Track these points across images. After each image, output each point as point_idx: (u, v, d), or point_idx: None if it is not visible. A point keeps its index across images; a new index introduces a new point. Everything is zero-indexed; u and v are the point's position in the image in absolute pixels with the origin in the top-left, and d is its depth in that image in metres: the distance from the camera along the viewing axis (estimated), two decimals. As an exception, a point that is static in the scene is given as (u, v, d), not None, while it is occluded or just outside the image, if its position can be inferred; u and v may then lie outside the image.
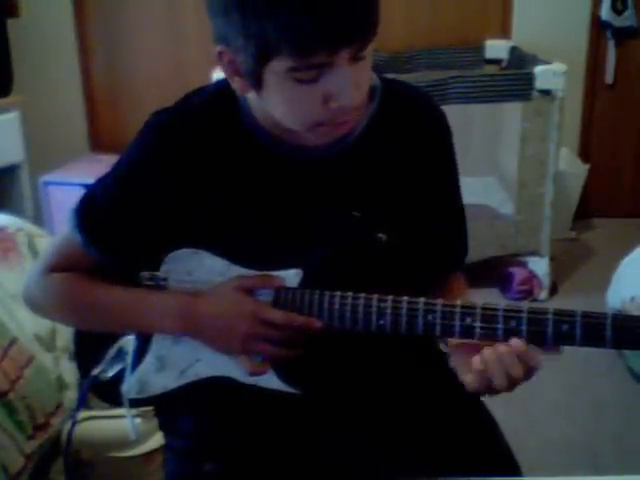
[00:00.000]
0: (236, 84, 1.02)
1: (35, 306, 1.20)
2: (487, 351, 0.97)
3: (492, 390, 1.00)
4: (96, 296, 1.14)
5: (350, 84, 0.95)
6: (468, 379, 1.01)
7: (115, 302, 1.13)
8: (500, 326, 0.97)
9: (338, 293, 1.03)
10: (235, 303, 1.06)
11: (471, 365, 0.98)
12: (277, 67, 0.94)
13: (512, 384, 0.98)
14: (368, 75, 1.02)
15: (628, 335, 0.93)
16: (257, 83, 0.98)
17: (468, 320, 0.98)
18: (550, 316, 0.96)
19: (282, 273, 1.07)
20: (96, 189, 1.14)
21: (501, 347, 0.97)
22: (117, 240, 1.12)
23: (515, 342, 0.96)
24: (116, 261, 1.14)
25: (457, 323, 0.99)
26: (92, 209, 1.13)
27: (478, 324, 0.98)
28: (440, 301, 1.00)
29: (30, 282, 1.19)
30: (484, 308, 0.98)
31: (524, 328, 0.96)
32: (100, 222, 1.12)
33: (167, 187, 1.08)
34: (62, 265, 1.16)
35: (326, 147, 1.06)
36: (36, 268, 1.19)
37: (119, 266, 1.14)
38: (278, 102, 1.00)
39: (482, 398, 1.04)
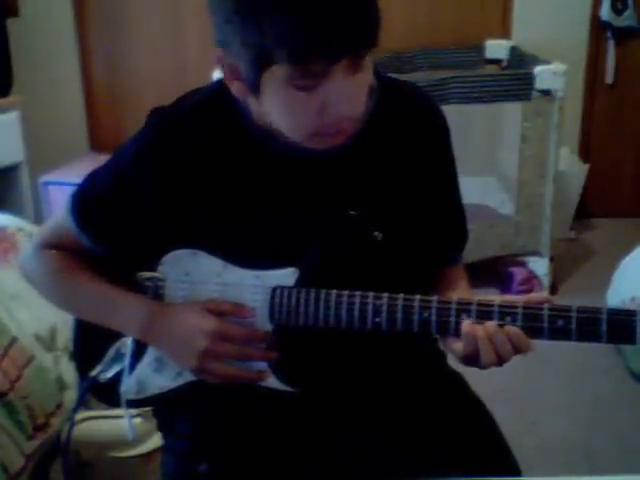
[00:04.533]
0: (235, 88, 1.02)
1: (28, 278, 1.22)
2: (478, 326, 0.98)
3: (480, 364, 1.01)
4: (76, 282, 1.16)
5: (347, 96, 0.95)
6: (457, 347, 1.01)
7: (90, 293, 1.15)
8: (496, 322, 0.98)
9: (334, 291, 1.04)
10: (199, 320, 1.06)
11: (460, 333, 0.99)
12: (275, 74, 0.94)
13: (501, 361, 0.99)
14: (366, 87, 1.00)
15: (623, 330, 0.94)
16: (255, 89, 0.98)
17: (464, 316, 0.99)
18: (545, 311, 0.96)
19: (278, 272, 1.07)
20: (93, 179, 1.15)
21: (492, 326, 0.97)
22: (108, 232, 1.14)
23: (509, 327, 0.97)
24: (108, 253, 1.15)
25: (453, 319, 0.99)
26: (87, 198, 1.14)
27: (474, 320, 0.98)
28: (435, 298, 1.01)
29: (26, 253, 1.22)
30: (480, 304, 0.99)
31: (519, 324, 0.97)
32: (93, 213, 1.14)
33: (163, 185, 1.09)
34: (56, 243, 1.18)
35: None
36: (34, 240, 1.22)
37: (112, 259, 1.15)
38: (275, 109, 0.99)
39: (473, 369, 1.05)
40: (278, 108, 0.99)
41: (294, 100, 0.96)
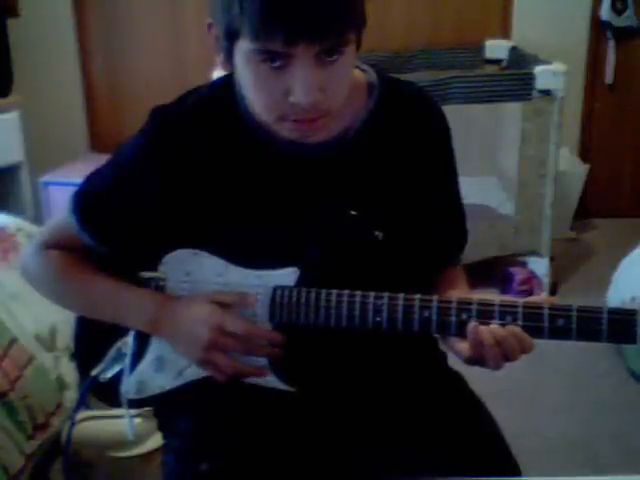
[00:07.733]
0: (220, 59, 1.03)
1: (29, 278, 1.22)
2: (484, 329, 0.98)
3: (485, 366, 1.01)
4: (80, 280, 1.16)
5: (309, 83, 0.94)
6: (461, 348, 1.02)
7: (96, 290, 1.15)
8: (496, 322, 0.98)
9: (334, 291, 1.04)
10: (204, 312, 1.06)
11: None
12: (242, 47, 0.95)
13: (507, 362, 1.00)
14: (340, 81, 1.00)
15: (623, 329, 0.94)
16: (230, 61, 1.00)
17: (464, 316, 0.99)
18: (546, 311, 0.96)
19: (279, 272, 1.07)
20: (95, 177, 1.15)
21: (499, 329, 0.97)
22: (110, 230, 1.14)
23: (514, 328, 0.97)
24: (109, 252, 1.15)
25: (453, 319, 0.99)
26: (88, 197, 1.14)
27: (474, 320, 0.98)
28: (436, 297, 1.01)
29: (27, 254, 1.21)
30: (480, 304, 0.99)
31: (520, 323, 0.97)
32: (94, 211, 1.14)
33: (164, 183, 1.09)
34: (58, 243, 1.18)
35: (323, 144, 1.06)
36: (35, 241, 1.21)
37: (113, 258, 1.15)
38: (245, 83, 1.01)
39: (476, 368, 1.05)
40: (247, 83, 1.00)
41: (260, 76, 0.97)
